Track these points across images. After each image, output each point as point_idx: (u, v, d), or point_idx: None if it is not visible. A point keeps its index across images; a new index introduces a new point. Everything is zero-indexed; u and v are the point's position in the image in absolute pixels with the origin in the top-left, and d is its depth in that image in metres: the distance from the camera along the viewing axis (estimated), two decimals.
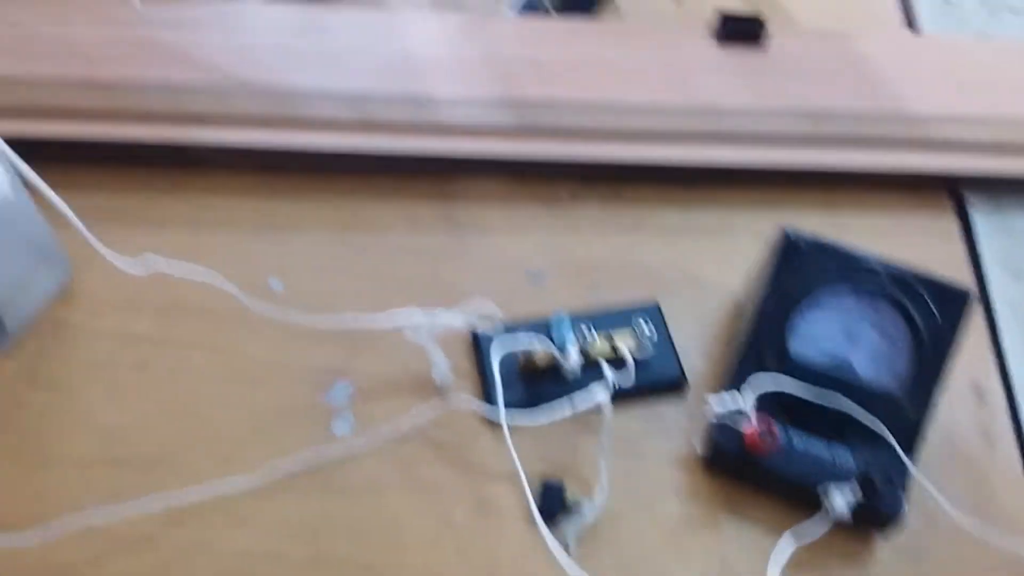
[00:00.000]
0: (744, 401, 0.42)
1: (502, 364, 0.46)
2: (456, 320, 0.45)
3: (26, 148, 0.49)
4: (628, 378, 0.45)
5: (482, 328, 0.46)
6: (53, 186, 0.51)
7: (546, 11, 0.63)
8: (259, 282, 0.50)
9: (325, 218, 0.53)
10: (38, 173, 0.48)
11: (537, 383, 0.47)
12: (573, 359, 0.45)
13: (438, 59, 0.57)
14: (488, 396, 0.46)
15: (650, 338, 0.47)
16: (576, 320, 0.47)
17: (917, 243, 0.55)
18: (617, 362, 0.47)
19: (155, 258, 0.37)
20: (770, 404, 0.42)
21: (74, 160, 0.52)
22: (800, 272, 0.44)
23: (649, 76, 0.58)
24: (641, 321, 0.47)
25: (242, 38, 0.56)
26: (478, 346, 0.48)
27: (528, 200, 0.55)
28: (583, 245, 0.54)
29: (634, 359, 0.46)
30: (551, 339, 0.46)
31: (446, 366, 0.46)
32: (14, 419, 0.44)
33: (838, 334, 0.42)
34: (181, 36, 0.55)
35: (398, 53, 0.57)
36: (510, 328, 0.47)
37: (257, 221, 0.52)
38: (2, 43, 0.54)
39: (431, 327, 0.45)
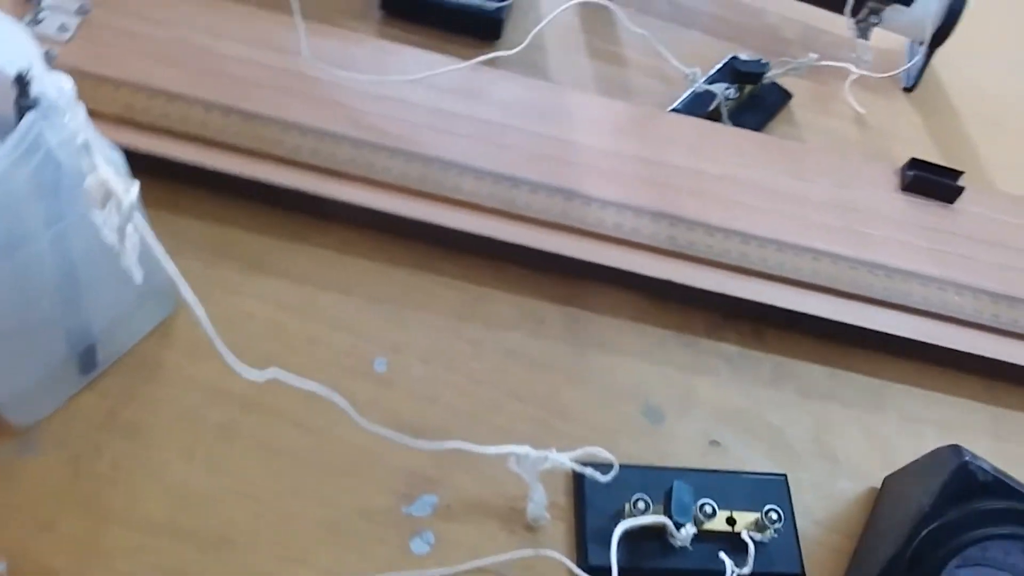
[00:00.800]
0: None
1: (599, 511, 0.42)
2: (566, 462, 0.40)
3: (152, 164, 0.48)
4: (745, 565, 0.40)
5: (590, 471, 0.41)
6: (175, 209, 0.50)
7: (717, 114, 0.58)
8: (366, 358, 0.47)
9: (445, 300, 0.50)
10: (159, 192, 0.45)
11: (639, 542, 0.42)
12: (686, 533, 0.41)
13: (596, 151, 0.53)
14: (582, 549, 0.42)
15: (775, 526, 0.41)
16: (695, 483, 0.42)
17: None
18: (732, 537, 0.42)
19: (280, 372, 0.34)
20: None
21: (201, 184, 0.50)
22: (968, 506, 0.38)
23: (820, 215, 0.53)
24: (768, 505, 0.42)
25: (398, 91, 0.53)
26: (581, 490, 0.43)
27: (659, 324, 0.51)
28: (712, 389, 0.49)
29: (753, 542, 0.41)
30: (669, 503, 0.41)
31: (543, 504, 0.42)
32: (89, 463, 0.41)
33: None
34: (335, 76, 0.52)
35: (555, 137, 0.53)
36: (623, 472, 0.42)
37: (375, 290, 0.49)
38: (145, 44, 0.52)
39: (537, 461, 0.40)
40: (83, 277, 0.38)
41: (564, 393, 0.47)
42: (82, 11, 0.53)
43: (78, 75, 0.50)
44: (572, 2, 0.53)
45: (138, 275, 0.31)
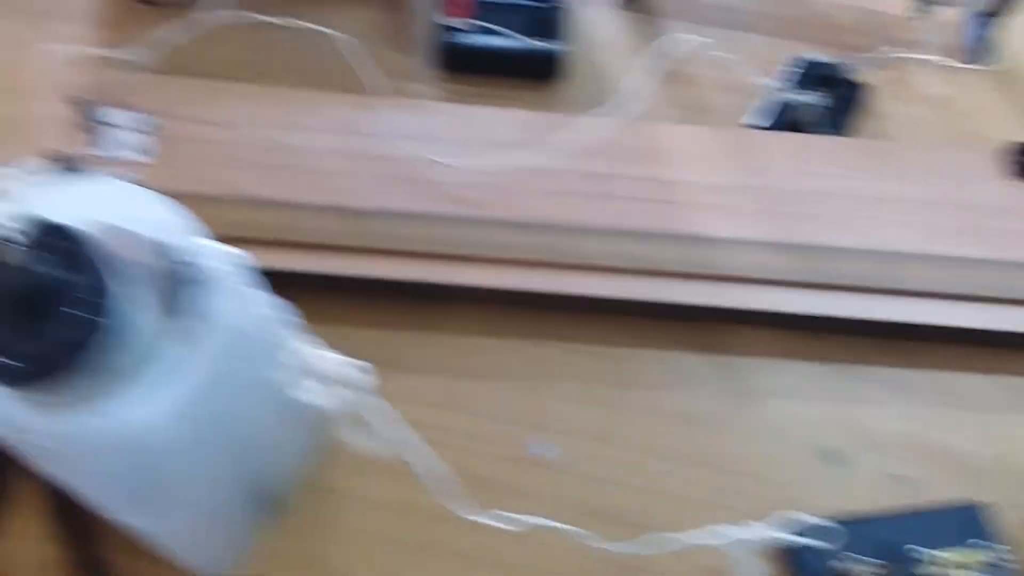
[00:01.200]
0: None
1: (812, 570, 0.41)
2: (780, 534, 0.39)
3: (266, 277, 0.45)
4: None
5: (808, 541, 0.40)
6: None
7: (800, 122, 0.57)
8: (524, 443, 0.45)
9: (587, 368, 0.48)
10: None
11: None
12: None
13: (700, 187, 0.51)
14: None
15: (998, 561, 0.40)
16: (898, 528, 0.41)
17: None
18: None
19: (501, 515, 0.33)
20: None
21: (317, 289, 0.47)
22: None
23: (939, 219, 0.51)
24: (976, 539, 0.41)
25: (481, 156, 0.50)
26: (791, 558, 0.42)
27: (809, 358, 0.49)
28: (877, 418, 0.47)
29: None
30: (893, 563, 0.40)
31: None
32: None
33: None
34: (421, 149, 0.50)
35: (657, 179, 0.51)
36: (835, 538, 0.40)
37: (515, 369, 0.47)
38: (226, 150, 0.49)
39: (747, 543, 0.39)
40: (262, 433, 0.36)
41: (735, 449, 0.46)
42: (151, 127, 0.50)
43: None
44: (666, 58, 0.50)
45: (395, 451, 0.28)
